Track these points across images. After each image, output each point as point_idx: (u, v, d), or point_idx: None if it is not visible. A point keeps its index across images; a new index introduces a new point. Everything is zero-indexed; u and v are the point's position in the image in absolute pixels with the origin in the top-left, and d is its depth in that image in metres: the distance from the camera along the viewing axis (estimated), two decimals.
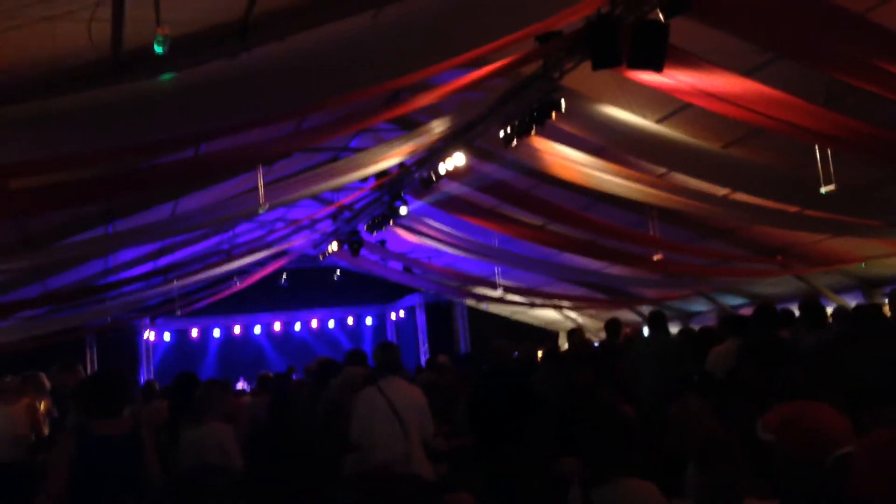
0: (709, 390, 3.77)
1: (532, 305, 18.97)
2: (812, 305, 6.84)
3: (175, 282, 14.79)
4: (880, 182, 8.89)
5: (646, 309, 17.20)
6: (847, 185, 7.80)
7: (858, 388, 3.40)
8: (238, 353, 20.45)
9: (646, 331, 11.54)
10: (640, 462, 3.57)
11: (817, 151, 7.57)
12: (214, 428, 5.57)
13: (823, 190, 7.61)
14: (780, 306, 11.53)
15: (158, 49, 4.28)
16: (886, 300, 8.28)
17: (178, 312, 17.10)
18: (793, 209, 9.49)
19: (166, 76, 4.71)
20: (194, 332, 20.20)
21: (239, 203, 9.39)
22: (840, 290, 13.22)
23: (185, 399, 6.09)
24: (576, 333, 9.64)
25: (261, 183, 7.95)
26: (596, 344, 11.56)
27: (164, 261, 13.77)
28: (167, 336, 19.96)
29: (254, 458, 4.83)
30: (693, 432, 3.62)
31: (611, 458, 3.52)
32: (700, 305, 16.54)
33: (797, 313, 7.17)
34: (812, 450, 2.33)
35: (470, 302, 20.69)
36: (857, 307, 7.06)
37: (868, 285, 12.86)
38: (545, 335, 20.41)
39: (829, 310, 9.37)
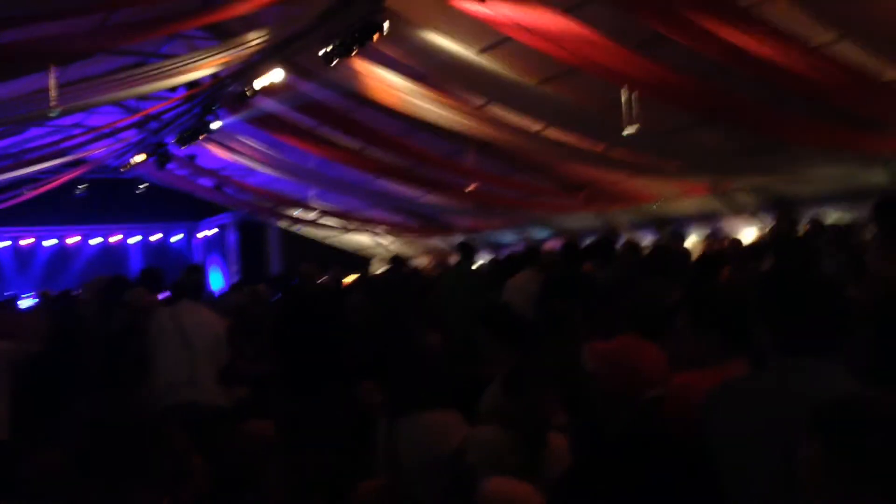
0: (496, 322, 3.88)
1: (346, 230, 18.89)
2: (604, 242, 7.27)
3: None
4: (680, 127, 9.49)
5: (458, 238, 17.64)
6: (649, 128, 8.25)
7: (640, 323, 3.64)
8: (29, 268, 19.02)
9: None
10: (444, 392, 3.62)
11: (623, 94, 7.93)
12: None
13: (626, 131, 8.01)
14: (584, 239, 12.20)
15: None
16: (668, 239, 8.96)
17: None
18: (599, 148, 9.95)
19: None
20: None
21: (26, 104, 8.53)
22: (635, 227, 14.13)
23: None
24: (399, 260, 9.63)
25: (52, 83, 7.24)
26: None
27: None
28: None
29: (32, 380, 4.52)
30: (492, 363, 3.71)
31: (413, 389, 3.54)
32: (510, 236, 17.15)
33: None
34: (628, 387, 2.36)
35: (283, 224, 20.28)
36: (632, 244, 7.54)
37: (660, 223, 13.83)
38: (358, 260, 20.47)
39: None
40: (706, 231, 12.11)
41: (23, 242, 19.04)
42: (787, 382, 2.10)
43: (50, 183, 15.43)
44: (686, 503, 2.19)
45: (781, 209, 9.29)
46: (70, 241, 19.59)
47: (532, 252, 7.87)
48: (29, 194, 15.47)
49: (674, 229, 10.08)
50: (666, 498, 2.18)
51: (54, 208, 17.42)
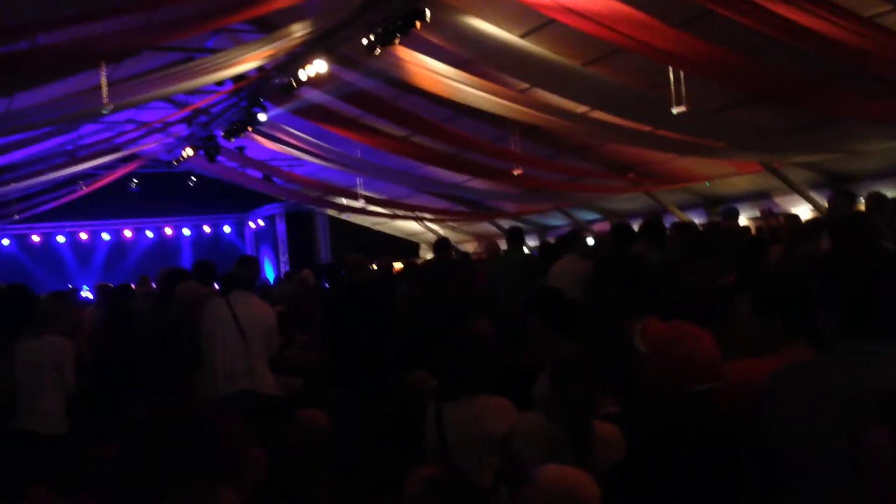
0: (548, 308, 3.85)
1: (394, 217, 18.97)
2: (654, 223, 7.15)
3: (12, 184, 13.74)
4: (728, 105, 9.31)
5: (505, 223, 17.62)
6: (697, 107, 8.10)
7: (686, 306, 3.57)
8: (89, 261, 19.54)
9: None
10: (493, 378, 3.61)
11: (671, 73, 7.80)
12: (51, 342, 5.29)
13: (674, 111, 7.88)
14: (632, 221, 12.06)
15: None
16: (720, 217, 8.80)
17: (17, 217, 16.09)
18: (645, 128, 9.81)
19: None
20: (35, 238, 19.07)
21: (81, 101, 8.73)
22: (685, 207, 13.94)
23: (20, 311, 5.70)
24: (445, 245, 9.60)
25: (104, 81, 7.39)
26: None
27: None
28: (5, 242, 18.75)
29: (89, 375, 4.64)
30: (543, 350, 3.69)
31: (462, 374, 3.54)
32: (557, 220, 17.05)
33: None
34: (680, 375, 2.26)
35: (331, 212, 20.45)
36: (682, 225, 7.40)
37: (710, 203, 13.61)
38: (407, 245, 20.55)
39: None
40: (758, 209, 11.88)
41: (81, 236, 19.57)
42: (854, 367, 2.01)
43: (105, 178, 15.79)
44: (735, 499, 2.14)
45: (839, 186, 9.06)
46: (126, 234, 20.05)
47: (574, 236, 7.79)
48: (86, 189, 15.86)
49: (726, 207, 9.88)
50: (713, 494, 2.13)
51: (110, 203, 17.83)
